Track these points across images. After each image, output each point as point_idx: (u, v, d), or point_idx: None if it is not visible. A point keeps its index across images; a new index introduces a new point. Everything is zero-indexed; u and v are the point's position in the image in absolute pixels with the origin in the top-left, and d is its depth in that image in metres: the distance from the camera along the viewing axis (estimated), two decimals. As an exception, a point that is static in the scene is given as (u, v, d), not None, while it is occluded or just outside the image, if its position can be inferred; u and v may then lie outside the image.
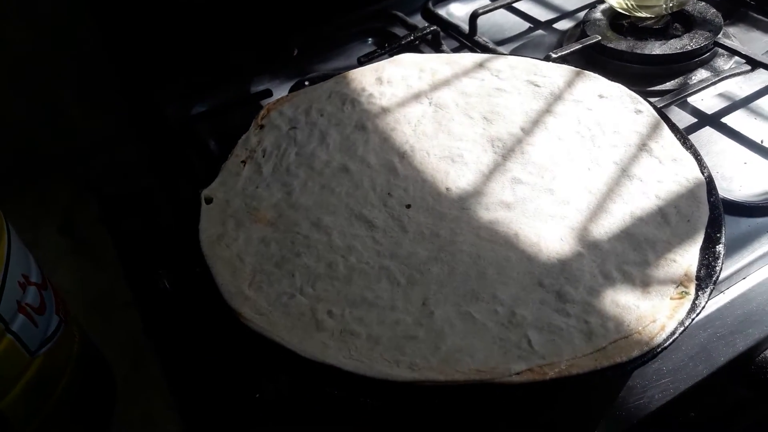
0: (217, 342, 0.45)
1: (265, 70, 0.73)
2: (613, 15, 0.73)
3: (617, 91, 0.56)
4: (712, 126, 0.62)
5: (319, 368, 0.38)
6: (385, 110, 0.57)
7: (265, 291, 0.43)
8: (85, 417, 0.46)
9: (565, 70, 0.58)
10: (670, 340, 0.38)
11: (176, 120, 0.68)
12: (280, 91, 0.68)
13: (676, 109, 0.63)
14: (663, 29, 0.70)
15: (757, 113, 0.62)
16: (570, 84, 0.57)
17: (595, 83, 0.57)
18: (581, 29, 0.72)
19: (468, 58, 0.61)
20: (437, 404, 0.38)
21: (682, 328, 0.39)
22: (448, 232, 0.46)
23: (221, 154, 0.55)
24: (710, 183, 0.48)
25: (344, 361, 0.38)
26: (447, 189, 0.50)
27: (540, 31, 0.79)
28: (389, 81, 0.60)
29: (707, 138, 0.61)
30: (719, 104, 0.64)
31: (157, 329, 0.52)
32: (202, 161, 0.62)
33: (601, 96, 0.55)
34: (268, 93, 0.68)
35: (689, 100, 0.64)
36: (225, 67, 0.73)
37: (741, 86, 0.65)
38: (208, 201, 0.50)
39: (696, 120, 0.62)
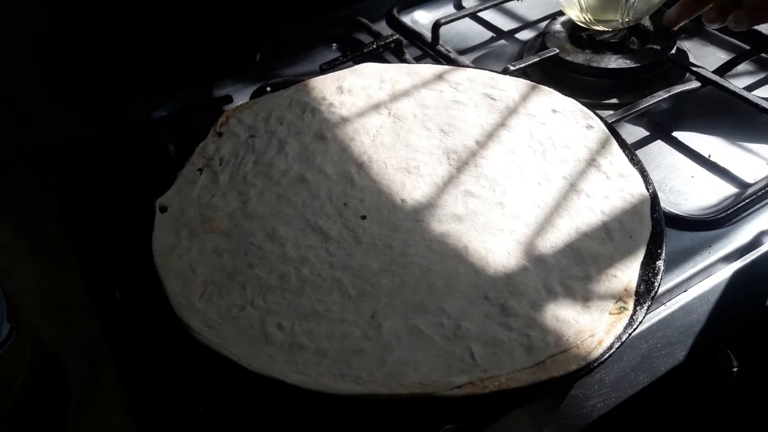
0: (168, 353, 0.45)
1: (227, 75, 0.73)
2: (572, 27, 0.74)
3: (570, 105, 0.57)
4: (662, 140, 0.63)
5: (266, 382, 0.39)
6: (344, 120, 0.58)
7: (215, 303, 0.43)
8: (38, 423, 0.45)
9: (520, 84, 0.59)
10: (607, 354, 0.40)
11: (137, 123, 0.68)
12: (242, 96, 0.68)
13: (629, 122, 0.65)
14: (620, 43, 0.71)
15: (707, 128, 0.64)
16: (525, 98, 0.58)
17: (549, 97, 0.58)
18: (541, 40, 0.74)
19: (428, 70, 0.62)
20: (382, 417, 0.39)
21: (619, 343, 0.40)
22: (400, 244, 0.47)
23: (180, 160, 0.55)
24: (654, 199, 0.49)
25: (291, 375, 0.38)
26: (402, 200, 0.51)
27: (502, 41, 0.79)
28: (350, 90, 0.60)
29: (658, 151, 0.62)
30: (670, 119, 0.66)
31: (114, 335, 0.52)
32: (160, 167, 0.62)
33: (554, 110, 0.56)
34: (229, 99, 0.68)
35: (642, 113, 0.65)
36: (187, 70, 0.73)
37: (692, 101, 0.67)
38: (163, 210, 0.50)
39: (647, 134, 0.64)
